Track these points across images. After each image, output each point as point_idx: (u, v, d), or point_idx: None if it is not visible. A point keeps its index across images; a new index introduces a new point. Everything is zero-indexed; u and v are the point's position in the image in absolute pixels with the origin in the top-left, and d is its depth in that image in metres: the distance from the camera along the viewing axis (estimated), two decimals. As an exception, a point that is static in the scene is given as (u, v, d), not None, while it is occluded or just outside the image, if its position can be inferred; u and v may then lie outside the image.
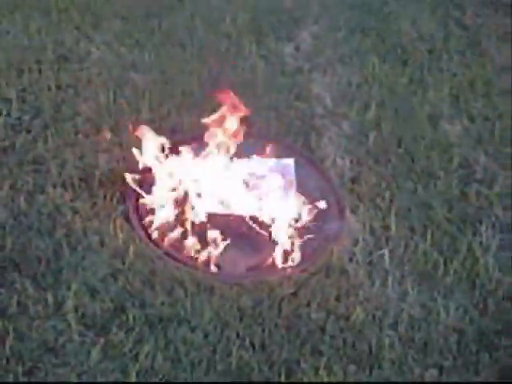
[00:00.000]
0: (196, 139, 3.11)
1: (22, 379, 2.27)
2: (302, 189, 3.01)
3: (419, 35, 4.15)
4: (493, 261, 2.82)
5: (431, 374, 2.42)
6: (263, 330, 2.49)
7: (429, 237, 2.88)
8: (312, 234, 2.83)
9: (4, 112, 3.26)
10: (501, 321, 2.62)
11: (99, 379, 2.30)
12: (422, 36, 4.15)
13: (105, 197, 2.90)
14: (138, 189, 2.90)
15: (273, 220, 2.84)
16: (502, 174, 3.23)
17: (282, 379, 2.33)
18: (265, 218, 2.85)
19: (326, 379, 2.34)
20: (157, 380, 2.30)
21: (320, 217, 2.91)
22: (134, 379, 2.29)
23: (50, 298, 2.50)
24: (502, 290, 2.72)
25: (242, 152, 3.07)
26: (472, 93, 3.71)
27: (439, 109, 3.58)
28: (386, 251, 2.82)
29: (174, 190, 2.90)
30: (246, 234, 2.83)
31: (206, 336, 2.45)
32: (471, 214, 3.04)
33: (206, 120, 2.98)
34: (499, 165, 3.29)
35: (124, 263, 2.66)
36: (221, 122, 2.97)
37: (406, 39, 4.06)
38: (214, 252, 2.73)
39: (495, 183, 3.17)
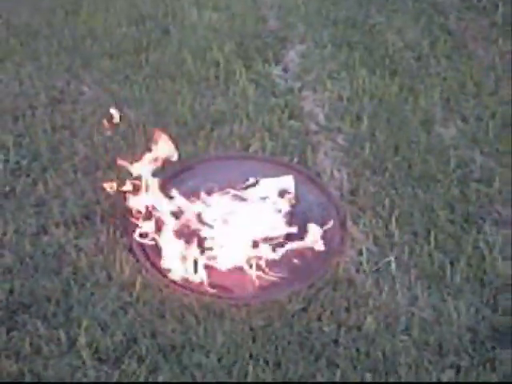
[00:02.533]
0: (191, 168, 3.17)
1: (40, 419, 2.28)
2: (302, 204, 3.04)
3: (405, 44, 4.18)
4: (499, 257, 2.82)
5: (448, 375, 2.41)
6: (276, 348, 2.49)
7: (432, 239, 2.89)
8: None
9: (2, 158, 3.30)
10: (512, 316, 2.63)
11: (118, 412, 2.31)
12: (408, 44, 4.18)
13: (108, 232, 2.92)
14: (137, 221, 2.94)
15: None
16: (499, 171, 3.24)
17: (300, 394, 2.33)
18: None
19: (343, 390, 2.34)
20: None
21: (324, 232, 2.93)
22: (151, 409, 2.30)
23: (63, 336, 2.51)
24: (510, 285, 2.72)
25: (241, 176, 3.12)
26: (463, 94, 3.73)
27: (432, 113, 3.60)
28: (391, 258, 2.82)
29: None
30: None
31: (220, 359, 2.45)
32: (473, 212, 3.04)
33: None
34: (496, 162, 3.30)
35: (132, 295, 2.67)
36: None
37: (392, 49, 4.09)
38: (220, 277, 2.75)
39: (494, 180, 3.18)
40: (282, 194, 3.06)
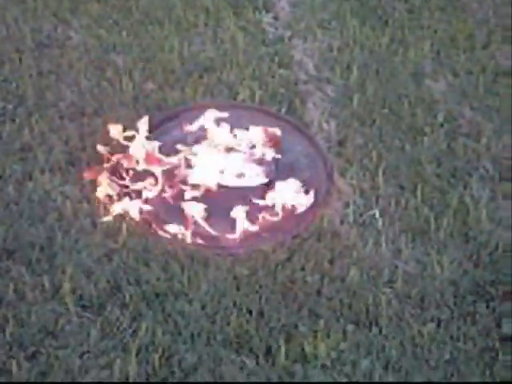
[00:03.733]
0: (179, 114, 3.16)
1: (24, 364, 2.29)
2: (289, 155, 3.04)
3: (398, -5, 4.12)
4: (484, 212, 2.83)
5: (429, 327, 2.44)
6: (260, 298, 2.51)
7: (419, 193, 2.89)
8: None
9: (-13, 103, 3.27)
10: (495, 271, 2.64)
11: (100, 358, 2.32)
12: (401, -5, 4.12)
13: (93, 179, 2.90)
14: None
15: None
16: (487, 127, 3.23)
17: (281, 343, 2.35)
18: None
19: (324, 341, 2.36)
20: (158, 355, 2.32)
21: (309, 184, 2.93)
22: (134, 355, 2.31)
23: (47, 283, 2.52)
24: (494, 240, 2.73)
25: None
26: (454, 48, 3.68)
27: (422, 66, 3.56)
28: (376, 211, 2.83)
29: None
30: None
31: (203, 307, 2.47)
32: (460, 167, 3.04)
33: None
34: (485, 117, 3.28)
35: (117, 242, 2.67)
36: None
37: (385, 0, 4.03)
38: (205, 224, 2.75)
39: (482, 136, 3.17)
40: (268, 143, 3.04)
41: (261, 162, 2.98)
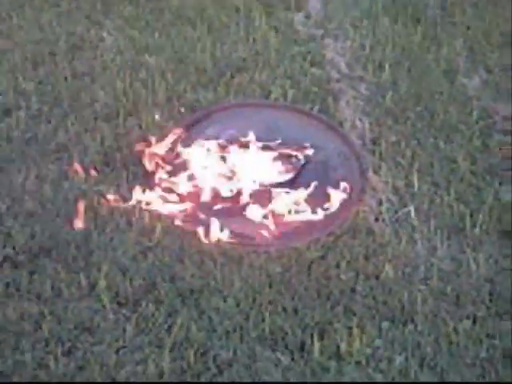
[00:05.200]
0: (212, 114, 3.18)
1: (61, 360, 2.32)
2: (322, 154, 3.04)
3: (431, -8, 4.10)
4: (521, 209, 2.81)
5: (465, 325, 2.42)
6: (294, 295, 2.51)
7: (453, 190, 2.87)
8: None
9: (24, 105, 3.31)
10: (531, 268, 2.62)
11: (135, 353, 2.34)
12: (433, -8, 4.10)
13: (127, 178, 2.93)
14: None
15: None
16: (523, 123, 3.20)
17: (316, 340, 2.34)
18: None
19: (359, 337, 2.35)
20: (192, 351, 2.33)
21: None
22: (168, 350, 2.33)
23: (83, 280, 2.54)
24: (530, 237, 2.71)
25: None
26: (488, 44, 3.67)
27: (455, 63, 3.55)
28: (411, 208, 2.81)
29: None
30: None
31: (237, 304, 2.48)
32: (495, 164, 3.01)
33: None
34: (520, 113, 3.26)
35: (152, 241, 2.69)
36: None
37: (417, -3, 4.02)
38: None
39: (517, 132, 3.15)
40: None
41: (288, 160, 2.98)
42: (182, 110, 3.23)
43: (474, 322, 2.44)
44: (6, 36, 3.75)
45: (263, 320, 2.42)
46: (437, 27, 3.76)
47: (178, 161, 2.98)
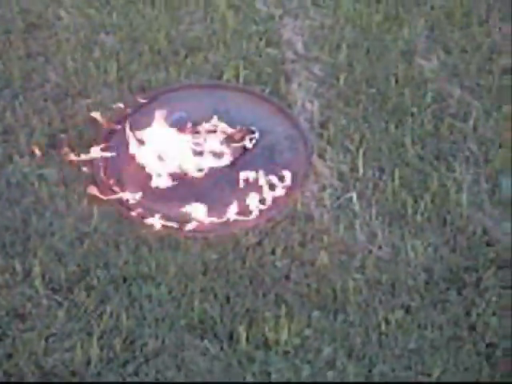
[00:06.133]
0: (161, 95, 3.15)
1: (-9, 347, 2.33)
2: (270, 137, 3.00)
3: (396, -30, 4.00)
4: (465, 196, 2.76)
5: (397, 315, 2.40)
6: (227, 282, 2.49)
7: (398, 176, 2.82)
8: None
9: (-27, 84, 3.28)
10: (471, 257, 2.58)
11: (65, 341, 2.34)
12: (399, -29, 4.00)
13: (72, 162, 2.90)
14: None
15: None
16: (476, 106, 3.13)
17: (244, 329, 2.33)
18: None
19: (287, 327, 2.33)
20: (120, 339, 2.33)
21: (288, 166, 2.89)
22: (97, 338, 2.32)
23: (18, 266, 2.53)
24: (472, 225, 2.67)
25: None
26: (450, 25, 3.57)
27: (414, 44, 3.46)
28: (353, 194, 2.78)
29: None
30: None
31: (170, 292, 2.46)
32: (445, 149, 2.96)
33: None
34: (475, 97, 3.18)
35: (90, 226, 2.67)
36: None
37: (382, -24, 3.92)
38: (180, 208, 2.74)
39: (470, 116, 3.08)
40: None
41: (231, 143, 2.95)
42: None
43: (407, 311, 2.43)
44: (-40, 14, 3.69)
45: (193, 308, 2.41)
46: (399, 7, 3.66)
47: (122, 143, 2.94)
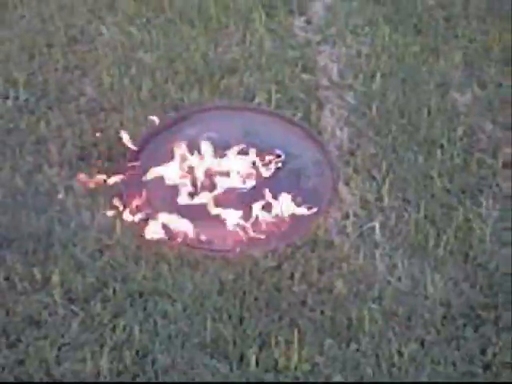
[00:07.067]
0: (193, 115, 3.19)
1: (5, 352, 2.35)
2: (297, 162, 3.00)
3: (437, 2, 3.98)
4: (489, 232, 2.72)
5: (411, 348, 2.36)
6: (242, 304, 2.49)
7: (423, 207, 2.80)
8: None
9: (12, 95, 3.34)
10: (491, 294, 2.53)
11: (77, 351, 2.35)
12: (440, 2, 3.98)
13: (99, 173, 2.94)
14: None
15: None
16: (507, 143, 3.09)
17: (255, 351, 2.32)
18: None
19: (298, 352, 2.32)
20: (131, 353, 2.33)
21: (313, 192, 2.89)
22: (108, 350, 2.33)
23: (38, 274, 2.56)
24: (495, 261, 2.62)
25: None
26: (487, 59, 3.55)
27: (450, 77, 3.45)
28: (376, 223, 2.76)
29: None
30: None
31: (184, 309, 2.47)
32: (472, 184, 2.93)
33: None
34: (506, 133, 3.15)
35: (112, 238, 2.70)
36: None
37: (422, 7, 3.91)
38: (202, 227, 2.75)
39: (499, 152, 3.05)
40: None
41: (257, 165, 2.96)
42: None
43: (422, 345, 2.39)
44: (7, 26, 3.78)
45: (206, 327, 2.41)
46: (438, 39, 3.66)
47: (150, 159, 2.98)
